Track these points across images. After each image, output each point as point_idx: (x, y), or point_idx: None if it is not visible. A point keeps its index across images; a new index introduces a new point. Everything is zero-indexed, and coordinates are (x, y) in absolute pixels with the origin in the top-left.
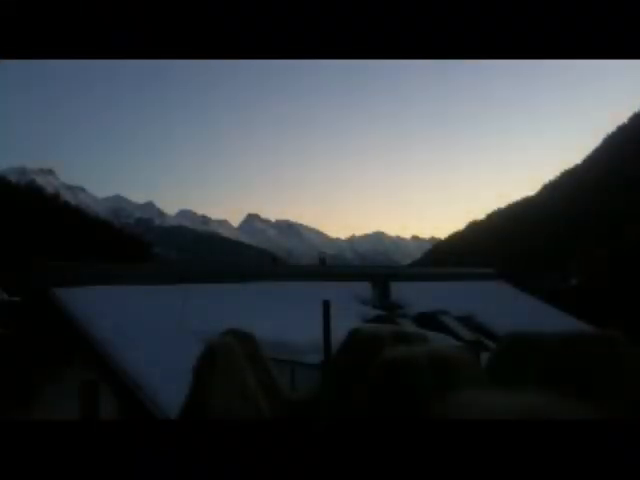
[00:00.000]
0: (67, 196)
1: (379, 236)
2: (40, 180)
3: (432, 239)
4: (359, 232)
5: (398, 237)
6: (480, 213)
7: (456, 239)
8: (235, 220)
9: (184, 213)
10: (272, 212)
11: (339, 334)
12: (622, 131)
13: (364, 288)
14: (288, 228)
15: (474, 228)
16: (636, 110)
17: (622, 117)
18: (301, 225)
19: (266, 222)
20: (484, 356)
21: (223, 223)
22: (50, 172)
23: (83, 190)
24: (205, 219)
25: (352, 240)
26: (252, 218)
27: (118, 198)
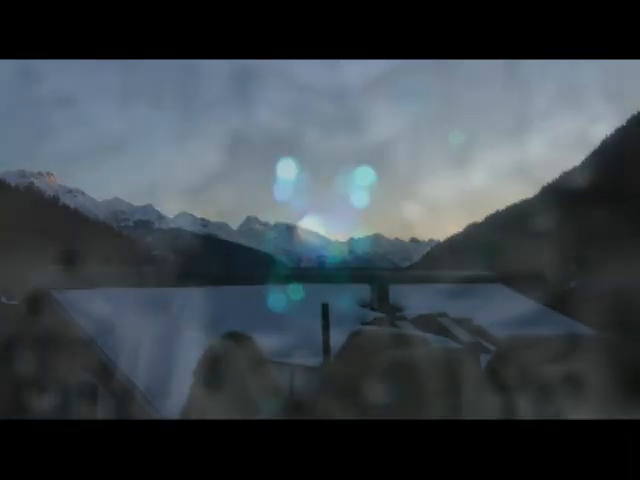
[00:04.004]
0: (66, 199)
1: (378, 238)
2: (39, 183)
3: (431, 241)
4: (358, 234)
5: (397, 239)
6: (479, 215)
7: (455, 241)
8: (234, 222)
9: (183, 216)
10: (271, 214)
11: (338, 336)
12: (621, 133)
13: (363, 290)
14: (287, 230)
15: (473, 230)
16: (635, 112)
17: (621, 119)
18: (300, 227)
19: (265, 224)
20: (483, 358)
21: (222, 225)
22: (49, 175)
23: (82, 193)
24: (204, 221)
25: (351, 242)
26: (251, 220)
27: (117, 201)
